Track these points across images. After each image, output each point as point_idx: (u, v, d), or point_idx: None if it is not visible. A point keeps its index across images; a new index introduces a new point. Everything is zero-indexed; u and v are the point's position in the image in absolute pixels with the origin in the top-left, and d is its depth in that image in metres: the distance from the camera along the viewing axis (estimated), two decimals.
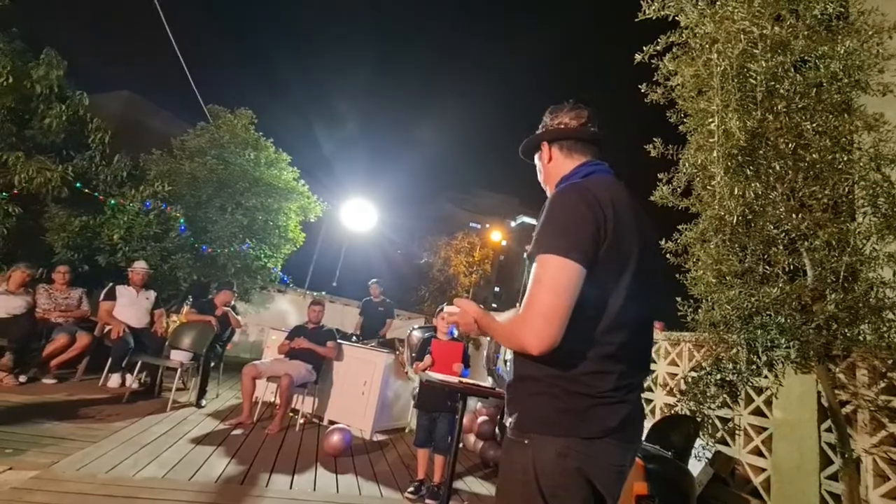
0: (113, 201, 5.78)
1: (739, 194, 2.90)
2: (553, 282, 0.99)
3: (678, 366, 4.57)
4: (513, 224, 44.44)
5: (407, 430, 5.04)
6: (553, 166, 1.29)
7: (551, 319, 0.97)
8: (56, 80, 5.32)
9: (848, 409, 3.04)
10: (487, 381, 4.58)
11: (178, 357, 4.51)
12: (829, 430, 3.15)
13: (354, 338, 5.28)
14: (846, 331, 2.70)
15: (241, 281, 7.26)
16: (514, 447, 1.06)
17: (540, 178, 1.36)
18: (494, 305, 52.36)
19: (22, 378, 4.10)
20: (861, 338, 2.69)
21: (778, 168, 2.99)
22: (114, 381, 4.59)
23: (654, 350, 5.01)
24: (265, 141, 7.67)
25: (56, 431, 3.05)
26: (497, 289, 50.66)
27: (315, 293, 8.83)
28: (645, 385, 1.01)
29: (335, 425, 3.83)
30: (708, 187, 3.06)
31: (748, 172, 3.02)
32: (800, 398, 3.34)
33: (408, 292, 13.26)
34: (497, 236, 19.23)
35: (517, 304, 1.22)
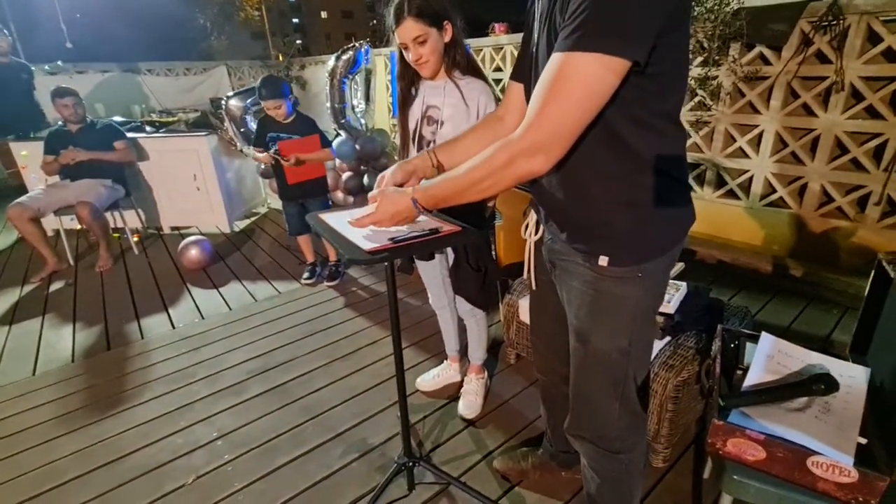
0: None
1: None
2: (586, 92, 0.68)
3: None
4: None
5: (267, 208, 4.59)
6: None
7: (570, 136, 0.72)
8: None
9: None
10: (335, 136, 4.03)
11: None
12: None
13: (149, 127, 3.94)
14: None
15: None
16: (618, 285, 0.87)
17: None
18: (295, 21, 44.08)
19: None
20: None
21: None
22: None
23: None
24: None
25: None
26: None
27: (44, 66, 5.96)
28: None
29: (186, 239, 3.21)
30: None
31: None
32: None
33: (185, 30, 9.91)
34: None
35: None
